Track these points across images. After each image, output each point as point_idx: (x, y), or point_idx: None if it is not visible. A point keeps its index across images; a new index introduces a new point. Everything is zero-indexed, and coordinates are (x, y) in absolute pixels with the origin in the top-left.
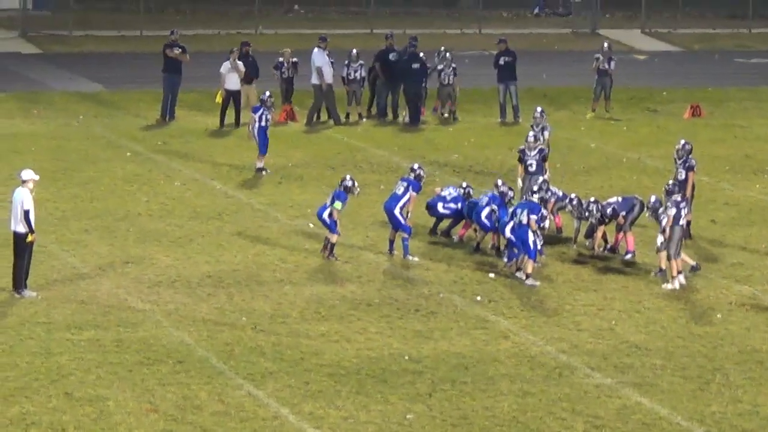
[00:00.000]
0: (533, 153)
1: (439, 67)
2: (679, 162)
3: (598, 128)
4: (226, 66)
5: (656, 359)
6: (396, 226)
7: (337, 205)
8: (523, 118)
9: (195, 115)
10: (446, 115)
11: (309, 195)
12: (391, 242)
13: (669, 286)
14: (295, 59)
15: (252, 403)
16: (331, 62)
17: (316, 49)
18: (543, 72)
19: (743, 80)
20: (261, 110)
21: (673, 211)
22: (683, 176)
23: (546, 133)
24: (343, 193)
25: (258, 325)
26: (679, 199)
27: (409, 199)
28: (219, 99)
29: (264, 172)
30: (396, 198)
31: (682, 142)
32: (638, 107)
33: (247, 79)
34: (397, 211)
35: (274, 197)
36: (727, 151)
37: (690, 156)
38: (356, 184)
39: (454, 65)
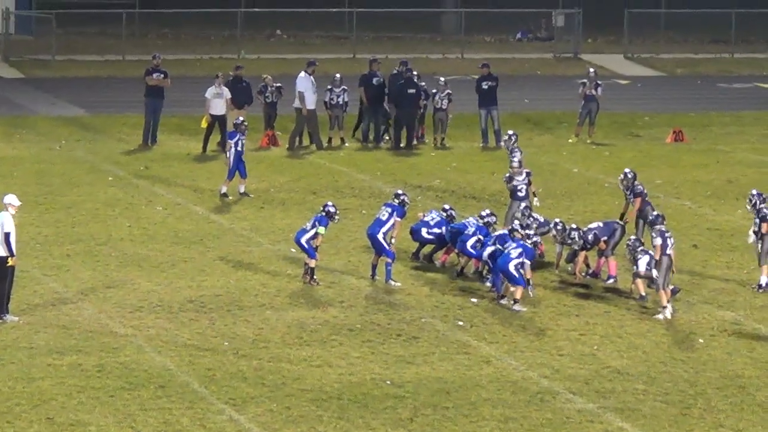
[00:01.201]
0: (521, 178)
1: (433, 91)
2: (627, 192)
3: (580, 153)
4: (211, 91)
5: (638, 384)
6: (379, 251)
7: (321, 230)
8: None
9: (177, 139)
10: (440, 142)
11: (291, 220)
12: (374, 267)
13: (660, 316)
14: (278, 84)
15: (233, 428)
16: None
17: (302, 74)
18: (525, 97)
19: (726, 105)
20: (236, 136)
21: (659, 241)
22: (635, 204)
23: (515, 156)
24: (325, 218)
25: (240, 350)
26: (663, 228)
27: (393, 225)
28: (204, 124)
29: (228, 198)
30: (380, 223)
31: (626, 171)
32: (621, 132)
33: (239, 104)
34: (380, 236)
35: (257, 222)
36: (709, 176)
37: (636, 182)
38: (338, 210)
39: (448, 91)
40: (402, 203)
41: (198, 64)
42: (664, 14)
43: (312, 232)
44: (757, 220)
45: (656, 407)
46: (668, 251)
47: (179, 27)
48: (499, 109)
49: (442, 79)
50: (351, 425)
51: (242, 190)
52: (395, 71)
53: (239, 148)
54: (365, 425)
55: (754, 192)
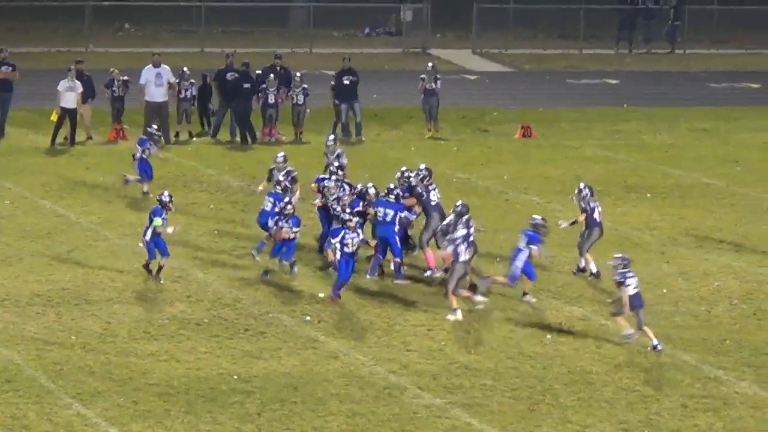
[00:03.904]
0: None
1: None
2: (583, 204)
3: (428, 148)
4: (63, 84)
5: (486, 380)
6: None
7: (157, 222)
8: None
9: (26, 133)
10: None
11: (139, 214)
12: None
13: (451, 317)
14: (125, 77)
15: (81, 423)
16: (175, 80)
17: (148, 66)
18: (374, 92)
19: (574, 101)
20: (147, 143)
21: (451, 249)
22: (595, 214)
23: (342, 160)
24: (160, 208)
25: (87, 344)
26: (459, 236)
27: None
28: (54, 117)
29: (149, 195)
30: (270, 214)
31: (581, 185)
32: (469, 127)
33: (83, 98)
34: (270, 223)
35: (104, 216)
36: (557, 172)
37: (592, 196)
38: (172, 199)
39: (304, 86)
40: (284, 189)
41: (46, 57)
42: (512, 10)
43: (150, 227)
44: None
45: (504, 403)
46: (461, 258)
47: (27, 20)
48: (360, 103)
49: (299, 74)
50: (198, 420)
51: (146, 189)
52: (223, 67)
53: (145, 155)
54: (212, 420)
55: (582, 185)
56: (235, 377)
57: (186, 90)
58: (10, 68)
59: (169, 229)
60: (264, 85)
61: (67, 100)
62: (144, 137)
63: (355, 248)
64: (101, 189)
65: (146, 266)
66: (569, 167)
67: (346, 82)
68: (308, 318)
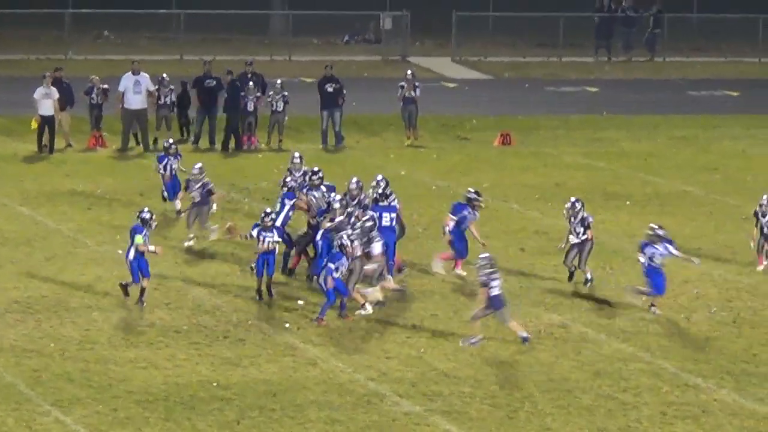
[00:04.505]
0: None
1: (270, 93)
2: (575, 221)
3: (408, 156)
4: (39, 91)
5: (465, 387)
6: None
7: (138, 239)
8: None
9: (3, 140)
10: (277, 144)
11: (118, 221)
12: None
13: (363, 311)
14: (105, 86)
15: (60, 430)
16: (155, 87)
17: (127, 73)
18: (353, 99)
19: (553, 108)
20: (165, 159)
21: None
22: (583, 235)
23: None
24: (140, 226)
25: (66, 351)
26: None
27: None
28: (34, 125)
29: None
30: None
31: (573, 200)
32: (448, 135)
33: (61, 105)
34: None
35: (83, 223)
36: (537, 180)
37: (584, 212)
38: (153, 216)
39: (285, 93)
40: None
41: (25, 65)
42: (492, 18)
43: (132, 246)
44: (580, 228)
45: (483, 410)
46: (359, 253)
47: (5, 27)
48: (342, 111)
49: (279, 81)
50: (177, 427)
51: (178, 206)
52: (201, 74)
53: (169, 171)
54: (192, 427)
55: (573, 199)
56: (215, 384)
57: (165, 97)
58: None
59: (152, 248)
60: (242, 93)
61: (44, 107)
62: (162, 154)
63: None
64: (80, 196)
65: (125, 287)
66: (549, 175)
67: (329, 89)
68: (287, 325)
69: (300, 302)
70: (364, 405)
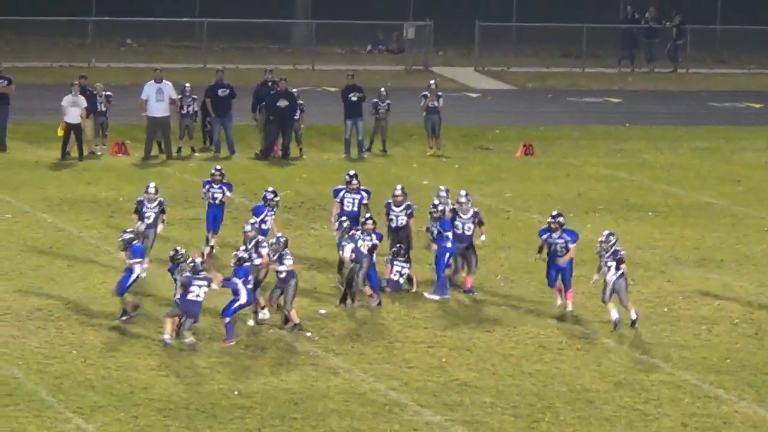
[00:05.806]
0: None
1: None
2: (606, 255)
3: (430, 165)
4: (67, 99)
5: (486, 397)
6: None
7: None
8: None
9: (26, 147)
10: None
11: None
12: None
13: (251, 322)
14: (108, 93)
15: None
16: (177, 96)
17: (150, 81)
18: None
19: (576, 119)
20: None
21: (289, 262)
22: (617, 269)
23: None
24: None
25: (88, 358)
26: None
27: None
28: (60, 132)
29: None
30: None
31: (606, 233)
32: (471, 145)
33: (86, 112)
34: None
35: (105, 231)
36: (559, 190)
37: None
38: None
39: (300, 102)
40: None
41: (48, 73)
42: (515, 28)
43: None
44: (612, 262)
45: (504, 420)
46: (281, 267)
47: (27, 34)
48: (365, 121)
49: (296, 90)
50: None
51: (212, 242)
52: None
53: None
54: None
55: (607, 232)
56: (236, 393)
57: (188, 106)
58: (6, 82)
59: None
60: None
61: (71, 115)
62: (206, 179)
63: None
64: (103, 203)
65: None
66: (571, 185)
67: (353, 98)
68: (309, 334)
69: (321, 311)
70: (385, 414)
